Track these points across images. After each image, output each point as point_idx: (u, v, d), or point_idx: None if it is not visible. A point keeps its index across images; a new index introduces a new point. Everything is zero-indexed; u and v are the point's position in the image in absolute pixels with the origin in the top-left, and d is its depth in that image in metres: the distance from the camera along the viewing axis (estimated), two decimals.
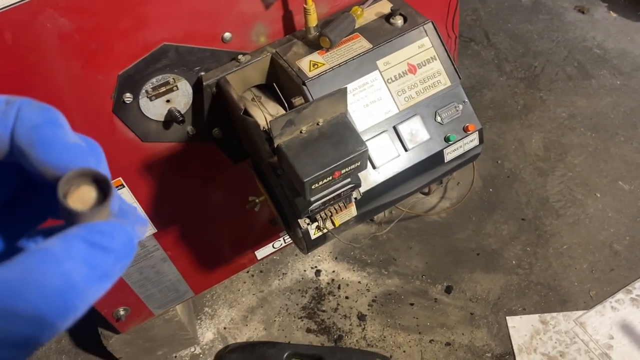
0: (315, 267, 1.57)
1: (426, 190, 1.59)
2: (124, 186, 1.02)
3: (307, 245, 0.95)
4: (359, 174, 0.86)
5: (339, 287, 1.53)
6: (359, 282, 1.53)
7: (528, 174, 1.68)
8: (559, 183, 1.65)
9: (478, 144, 0.98)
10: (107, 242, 0.23)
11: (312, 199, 0.79)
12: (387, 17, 0.97)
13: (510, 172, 1.69)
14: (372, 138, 0.92)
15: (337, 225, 0.90)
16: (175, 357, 1.45)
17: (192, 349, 1.46)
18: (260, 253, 1.36)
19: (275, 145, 0.75)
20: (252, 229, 1.27)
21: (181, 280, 1.28)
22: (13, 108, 0.25)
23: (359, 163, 0.77)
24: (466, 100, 0.96)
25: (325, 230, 0.91)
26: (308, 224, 0.89)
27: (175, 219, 1.15)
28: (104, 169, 0.25)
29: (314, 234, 0.92)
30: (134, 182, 1.02)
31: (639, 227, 1.53)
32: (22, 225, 0.28)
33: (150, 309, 1.30)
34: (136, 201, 1.06)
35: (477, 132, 0.97)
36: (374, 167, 0.92)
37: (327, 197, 0.82)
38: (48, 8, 0.76)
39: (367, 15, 0.98)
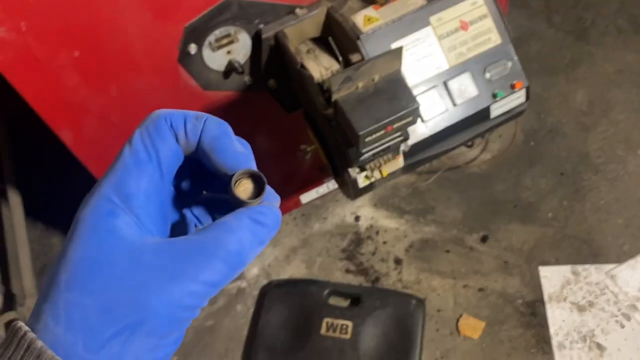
0: (355, 213, 1.65)
1: (469, 142, 1.63)
2: None
3: (354, 192, 1.01)
4: (410, 128, 0.91)
5: (377, 233, 1.60)
6: (397, 228, 1.60)
7: (570, 129, 1.69)
8: (600, 139, 1.66)
9: (524, 101, 1.02)
10: (264, 219, 0.33)
11: (364, 150, 0.85)
12: None
13: (552, 127, 1.70)
14: (422, 93, 0.96)
15: (384, 175, 0.96)
16: (223, 289, 1.57)
17: (239, 283, 1.58)
18: (305, 198, 1.44)
19: (333, 100, 0.81)
20: (299, 175, 1.34)
21: None
22: (200, 122, 0.34)
23: (410, 118, 0.82)
24: (515, 57, 0.99)
25: (373, 180, 0.98)
26: (357, 173, 0.95)
27: None
28: (254, 166, 0.35)
29: (362, 182, 0.98)
30: None
31: None
32: (186, 199, 0.39)
33: None
34: None
35: (524, 89, 1.00)
36: (422, 120, 0.96)
37: (378, 149, 0.88)
38: None
39: None
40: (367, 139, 0.81)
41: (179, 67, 0.99)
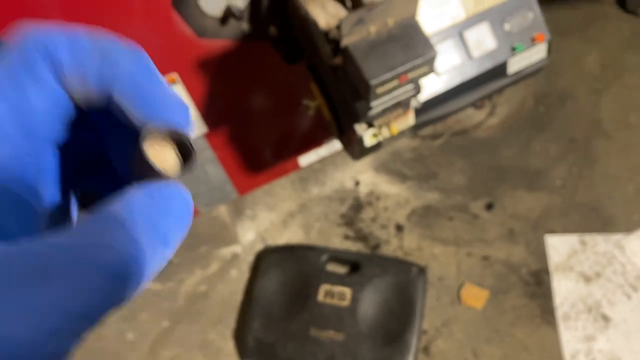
0: (355, 177, 1.58)
1: (478, 103, 1.56)
2: (177, 83, 1.01)
3: (360, 151, 0.94)
4: (421, 81, 0.83)
5: (377, 199, 1.54)
6: (399, 194, 1.54)
7: (582, 93, 1.62)
8: (613, 104, 1.59)
9: (545, 56, 0.94)
10: (169, 206, 0.21)
11: (374, 103, 0.78)
12: None
13: (563, 91, 1.63)
14: (436, 44, 0.88)
15: (394, 133, 0.89)
16: (217, 254, 1.51)
17: (234, 248, 1.52)
18: (304, 160, 1.37)
19: (343, 46, 0.73)
20: (299, 134, 1.27)
21: (227, 180, 1.31)
22: (106, 57, 0.22)
23: (426, 68, 0.74)
24: (537, 8, 0.91)
25: (381, 138, 0.91)
26: (364, 130, 0.88)
27: (225, 119, 1.15)
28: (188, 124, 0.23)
29: (369, 140, 0.91)
30: (188, 79, 1.02)
31: None
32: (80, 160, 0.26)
33: (197, 207, 1.34)
34: (191, 98, 1.06)
35: (545, 42, 0.92)
36: (436, 74, 0.89)
37: (389, 103, 0.81)
38: None
39: None
40: (378, 90, 0.74)
41: (173, 11, 0.90)
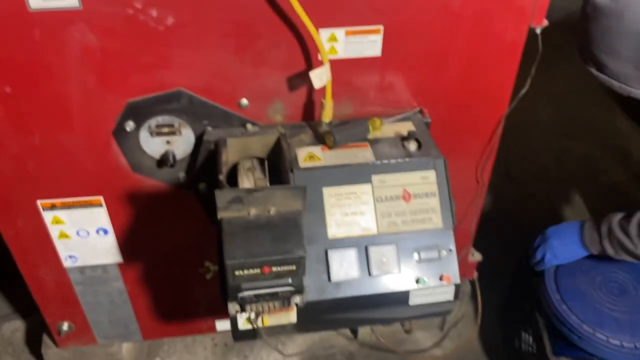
0: None
1: (406, 327, 1.48)
2: (102, 206, 1.02)
3: (234, 333, 0.88)
4: (312, 283, 0.81)
5: None
6: None
7: None
8: None
9: (451, 299, 0.89)
10: None
11: (236, 286, 0.74)
12: (403, 139, 0.93)
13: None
14: (339, 248, 0.86)
15: (265, 324, 0.83)
16: None
17: None
18: (221, 325, 1.30)
19: (218, 218, 0.72)
20: (213, 295, 1.22)
21: (133, 319, 1.24)
22: None
23: (293, 267, 0.72)
24: (452, 248, 0.88)
25: (256, 326, 0.85)
26: (237, 312, 0.83)
27: (145, 256, 1.13)
28: None
29: (243, 324, 0.86)
30: (113, 206, 1.03)
31: None
32: None
33: (95, 335, 1.27)
34: (110, 224, 1.05)
35: (452, 286, 0.88)
36: (329, 279, 0.85)
37: (261, 292, 0.76)
38: (81, 21, 0.81)
39: (385, 130, 0.95)
40: (237, 273, 0.71)
41: (112, 139, 0.94)
